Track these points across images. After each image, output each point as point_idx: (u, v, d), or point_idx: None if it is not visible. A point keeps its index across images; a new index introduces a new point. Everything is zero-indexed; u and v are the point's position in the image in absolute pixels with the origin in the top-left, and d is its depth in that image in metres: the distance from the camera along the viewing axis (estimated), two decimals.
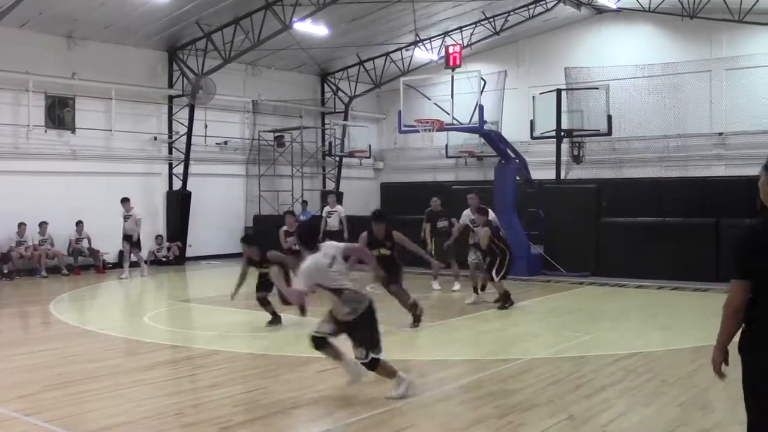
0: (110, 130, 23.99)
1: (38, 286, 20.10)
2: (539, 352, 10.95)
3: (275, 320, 13.22)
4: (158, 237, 25.23)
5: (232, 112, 27.73)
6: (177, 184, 25.93)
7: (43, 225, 21.99)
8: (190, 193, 25.71)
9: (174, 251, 25.16)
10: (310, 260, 7.96)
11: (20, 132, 22.14)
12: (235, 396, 8.46)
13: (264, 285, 13.35)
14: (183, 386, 9.02)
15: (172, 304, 17.24)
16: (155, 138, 25.62)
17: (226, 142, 27.56)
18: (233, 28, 23.61)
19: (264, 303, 13.34)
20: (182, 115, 25.79)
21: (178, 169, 25.89)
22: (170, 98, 25.94)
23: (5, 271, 21.16)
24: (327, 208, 21.96)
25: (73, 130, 23.37)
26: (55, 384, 8.97)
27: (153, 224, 25.07)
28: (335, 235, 20.65)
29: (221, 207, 27.08)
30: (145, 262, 22.66)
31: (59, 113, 23.14)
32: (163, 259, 24.90)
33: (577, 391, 8.54)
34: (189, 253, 25.89)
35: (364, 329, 7.95)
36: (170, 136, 25.98)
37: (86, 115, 23.56)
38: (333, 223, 21.15)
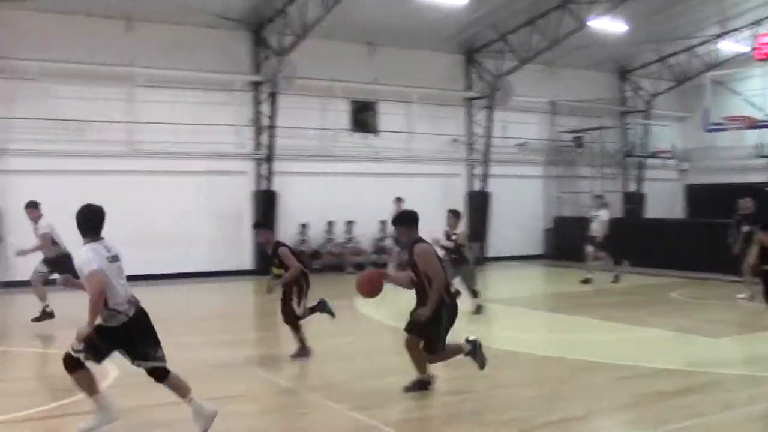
0: (411, 133, 24.84)
1: (345, 282, 21.09)
2: None
3: (302, 351, 10.74)
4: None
5: (529, 113, 27.65)
6: (477, 185, 26.31)
7: (349, 224, 23.19)
8: (489, 194, 26.00)
9: (475, 251, 25.50)
10: (89, 246, 6.81)
11: (327, 135, 23.56)
12: (531, 398, 8.40)
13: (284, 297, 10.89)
14: (480, 385, 9.07)
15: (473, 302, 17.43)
16: (455, 140, 26.16)
17: (524, 143, 27.55)
18: (529, 28, 23.59)
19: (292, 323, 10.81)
20: (480, 116, 26.14)
21: (478, 170, 26.27)
22: (468, 100, 26.37)
23: (315, 267, 22.60)
24: (592, 212, 20.69)
25: (375, 132, 24.51)
26: (359, 375, 9.36)
27: None
28: (596, 241, 19.83)
29: (520, 208, 27.00)
30: None
31: (363, 117, 24.36)
32: None
33: None
34: (490, 253, 26.18)
35: (134, 341, 6.89)
36: (469, 138, 26.41)
37: (388, 119, 24.68)
38: (596, 228, 19.83)
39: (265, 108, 22.28)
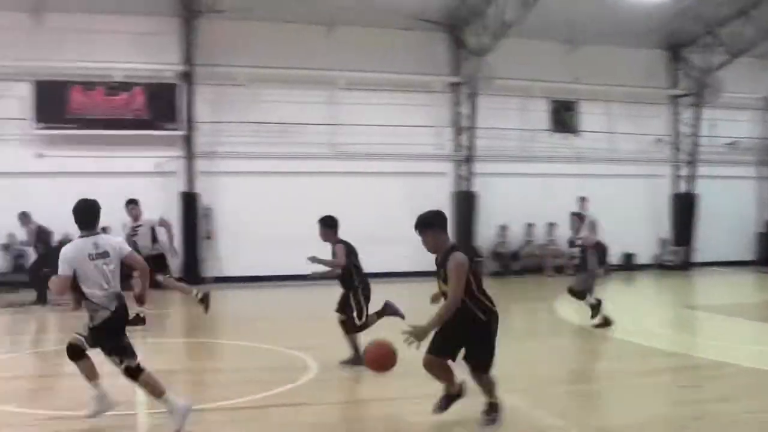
0: (612, 133, 24.14)
1: (544, 284, 20.81)
2: None
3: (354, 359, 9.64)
4: (663, 241, 24.80)
5: (741, 110, 26.18)
6: (683, 187, 25.23)
7: (550, 226, 22.84)
8: (696, 196, 24.89)
9: (680, 255, 24.52)
10: (73, 243, 6.79)
11: (526, 136, 23.38)
12: (740, 414, 7.81)
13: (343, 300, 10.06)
14: (686, 396, 8.61)
15: (678, 310, 16.74)
16: (658, 140, 25.19)
17: (734, 142, 26.15)
18: (740, 20, 22.34)
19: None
20: (687, 115, 25.05)
21: (684, 171, 25.20)
22: (673, 98, 25.32)
23: (514, 269, 22.43)
24: None
25: (576, 133, 24.00)
26: (557, 380, 9.10)
27: (657, 227, 24.75)
28: None
29: (730, 211, 25.54)
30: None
31: (563, 117, 23.95)
32: (668, 264, 24.38)
33: None
34: (697, 258, 25.01)
35: (106, 338, 6.73)
36: (674, 138, 25.35)
37: (588, 118, 24.16)
38: None
39: (465, 109, 22.36)
